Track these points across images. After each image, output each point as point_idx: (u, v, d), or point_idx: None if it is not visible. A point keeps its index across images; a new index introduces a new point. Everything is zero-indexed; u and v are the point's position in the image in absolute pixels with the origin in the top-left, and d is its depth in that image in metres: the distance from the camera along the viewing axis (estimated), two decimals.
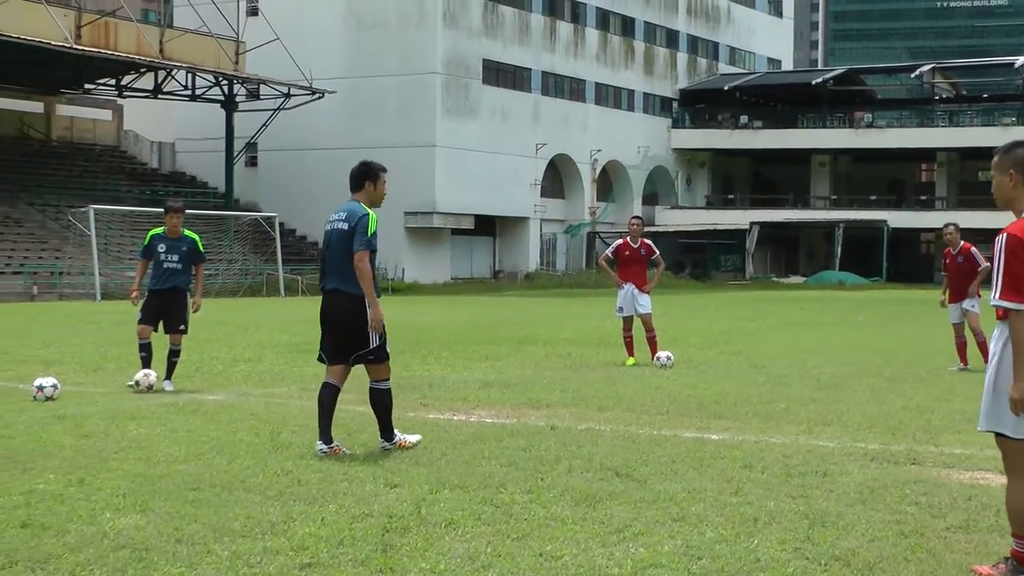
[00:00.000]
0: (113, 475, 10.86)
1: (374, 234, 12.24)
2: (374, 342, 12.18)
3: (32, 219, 68.73)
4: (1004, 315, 7.37)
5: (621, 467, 11.42)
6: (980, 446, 12.01)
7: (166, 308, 18.22)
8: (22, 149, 77.95)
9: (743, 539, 8.72)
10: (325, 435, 12.16)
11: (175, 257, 18.19)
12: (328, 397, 12.31)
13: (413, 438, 12.63)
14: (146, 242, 18.54)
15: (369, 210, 12.41)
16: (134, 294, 18.69)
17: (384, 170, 12.87)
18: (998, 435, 7.60)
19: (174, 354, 18.27)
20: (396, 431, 12.51)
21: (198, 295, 18.61)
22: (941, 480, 11.01)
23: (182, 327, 18.27)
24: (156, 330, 18.24)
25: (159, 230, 18.49)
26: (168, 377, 18.07)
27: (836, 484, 10.74)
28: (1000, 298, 7.30)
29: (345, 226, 12.23)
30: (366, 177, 12.62)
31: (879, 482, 10.84)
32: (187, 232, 18.52)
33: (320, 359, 12.61)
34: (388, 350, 12.42)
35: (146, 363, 18.18)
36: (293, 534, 8.76)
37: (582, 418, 14.95)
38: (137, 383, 17.48)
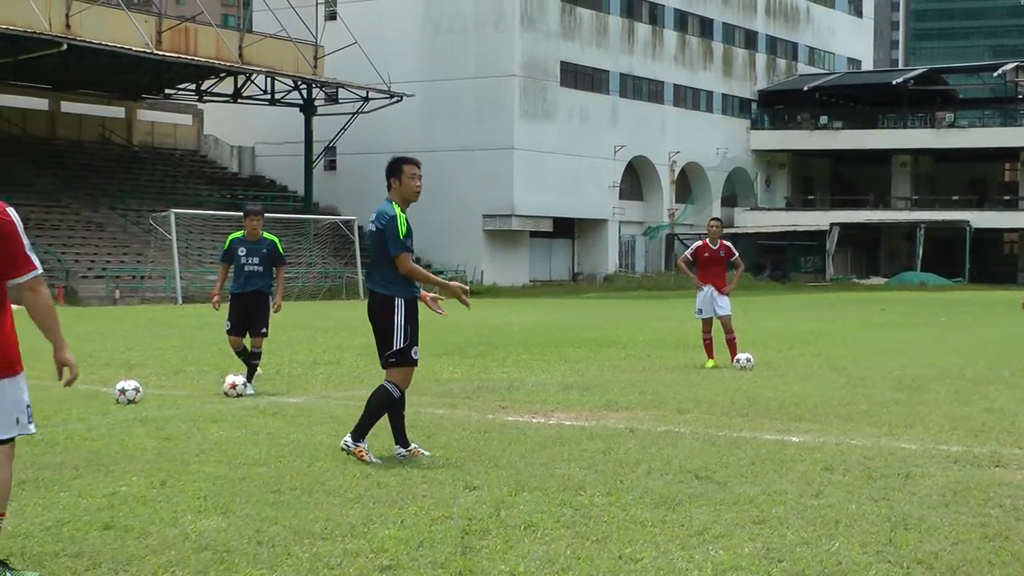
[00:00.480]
0: (194, 477, 10.93)
1: (406, 234, 12.04)
2: (398, 343, 11.97)
3: (114, 223, 69.37)
4: None
5: (701, 469, 11.37)
6: (999, 445, 11.89)
7: (248, 311, 18.34)
8: (104, 154, 78.75)
9: (824, 542, 8.65)
10: (399, 438, 12.22)
11: (255, 260, 18.30)
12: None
13: (373, 457, 11.91)
14: (226, 246, 18.70)
15: (397, 210, 12.09)
16: (215, 299, 18.89)
17: (408, 162, 12.28)
18: None
19: (255, 356, 18.39)
20: (365, 441, 12.00)
21: (278, 297, 18.69)
22: None
23: (264, 330, 18.37)
24: (244, 336, 18.39)
25: (239, 234, 18.60)
26: (248, 380, 18.19)
27: (918, 487, 10.64)
28: None
29: (374, 227, 12.12)
30: (390, 175, 12.22)
31: (962, 485, 10.72)
32: (266, 235, 18.60)
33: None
34: (416, 356, 12.15)
35: (253, 371, 18.44)
36: (373, 536, 8.77)
37: (661, 420, 14.90)
38: (234, 386, 17.54)
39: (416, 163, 12.31)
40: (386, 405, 12.05)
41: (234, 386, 17.44)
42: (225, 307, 18.76)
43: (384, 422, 12.19)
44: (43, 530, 8.88)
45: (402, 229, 11.99)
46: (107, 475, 11.03)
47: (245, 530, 8.92)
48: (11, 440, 7.35)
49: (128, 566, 8.00)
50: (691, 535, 8.85)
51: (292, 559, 8.19)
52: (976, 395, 17.83)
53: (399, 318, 12.00)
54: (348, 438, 12.02)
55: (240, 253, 18.35)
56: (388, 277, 12.05)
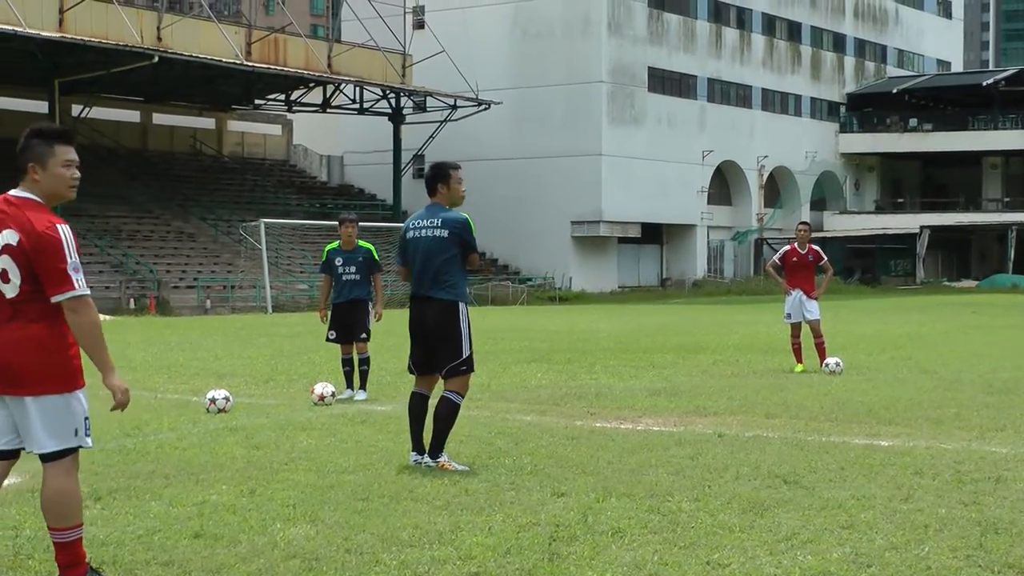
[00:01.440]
0: (283, 485, 11.00)
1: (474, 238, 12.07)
2: (466, 351, 11.91)
3: (205, 233, 70.03)
4: None
5: (789, 474, 11.33)
6: None
7: (348, 319, 18.51)
8: (195, 165, 79.54)
9: (913, 546, 8.60)
10: (417, 445, 12.14)
11: (352, 268, 18.45)
12: (418, 407, 12.25)
13: (457, 464, 11.85)
14: (324, 258, 18.91)
15: (462, 214, 12.04)
16: (322, 311, 19.00)
17: (457, 168, 12.11)
18: None
19: (363, 363, 18.57)
20: (445, 454, 11.93)
21: (379, 304, 18.78)
22: None
23: (364, 335, 18.52)
24: (349, 343, 18.56)
25: (334, 244, 18.77)
26: (361, 387, 18.49)
27: (1009, 490, 10.56)
28: None
29: (444, 233, 11.86)
30: (438, 180, 12.00)
31: None
32: (362, 243, 18.77)
33: (409, 370, 12.47)
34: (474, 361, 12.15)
35: (349, 380, 18.61)
36: (460, 543, 8.79)
37: (750, 425, 14.86)
38: (323, 398, 17.61)
39: (460, 168, 12.20)
40: (454, 415, 11.97)
41: (322, 398, 17.51)
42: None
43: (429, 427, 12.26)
44: (134, 539, 8.97)
45: (474, 231, 12.07)
46: (197, 484, 11.13)
47: (333, 538, 8.97)
48: (71, 452, 7.44)
49: (218, 574, 8.07)
50: (779, 540, 8.82)
51: (380, 566, 8.23)
52: None
53: (465, 324, 11.94)
54: (427, 458, 11.92)
55: (337, 263, 18.52)
56: (451, 281, 11.93)
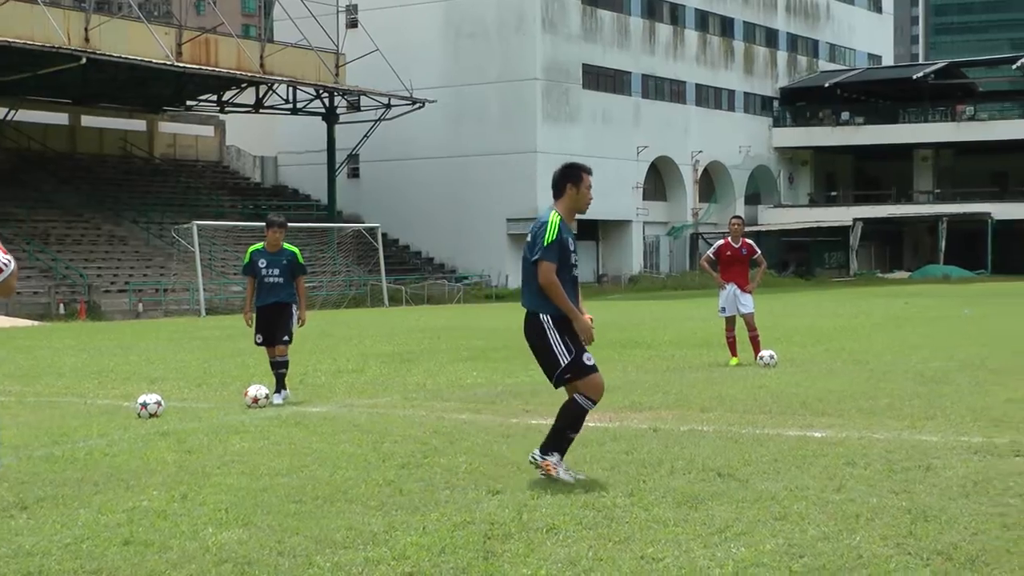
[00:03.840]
0: (216, 490, 10.93)
1: (552, 242, 10.87)
2: (563, 359, 10.93)
3: (136, 237, 69.59)
4: None
5: (723, 467, 11.37)
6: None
7: (271, 322, 18.25)
8: (126, 167, 79.02)
9: (845, 536, 8.66)
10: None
11: (275, 271, 18.16)
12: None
13: (566, 474, 10.91)
14: (247, 259, 18.57)
15: (555, 217, 11.04)
16: (247, 314, 18.72)
17: (588, 172, 11.28)
18: None
19: (281, 366, 18.26)
20: (555, 455, 10.95)
21: (302, 308, 18.59)
22: None
23: (286, 338, 18.30)
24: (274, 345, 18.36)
25: (259, 246, 18.49)
26: (278, 390, 18.17)
27: (939, 478, 10.66)
28: None
29: (529, 238, 11.09)
30: (567, 179, 11.15)
31: (982, 475, 10.75)
32: (287, 245, 18.50)
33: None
34: (590, 362, 11.05)
35: (280, 380, 18.27)
36: (395, 544, 8.76)
37: (684, 419, 14.90)
38: (256, 400, 17.48)
39: (590, 172, 11.38)
40: (577, 417, 11.02)
41: (256, 400, 17.40)
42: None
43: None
44: (61, 548, 8.87)
45: (549, 236, 10.89)
46: (127, 490, 11.04)
47: (266, 541, 8.93)
48: None
49: None
50: (713, 533, 8.86)
51: (314, 569, 8.19)
52: (997, 386, 17.83)
53: (553, 335, 10.97)
54: (536, 451, 11.05)
55: (261, 265, 18.19)
56: (534, 289, 11.00)
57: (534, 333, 11.08)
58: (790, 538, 8.65)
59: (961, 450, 12.11)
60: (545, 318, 10.96)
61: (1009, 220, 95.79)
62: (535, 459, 10.98)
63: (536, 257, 10.86)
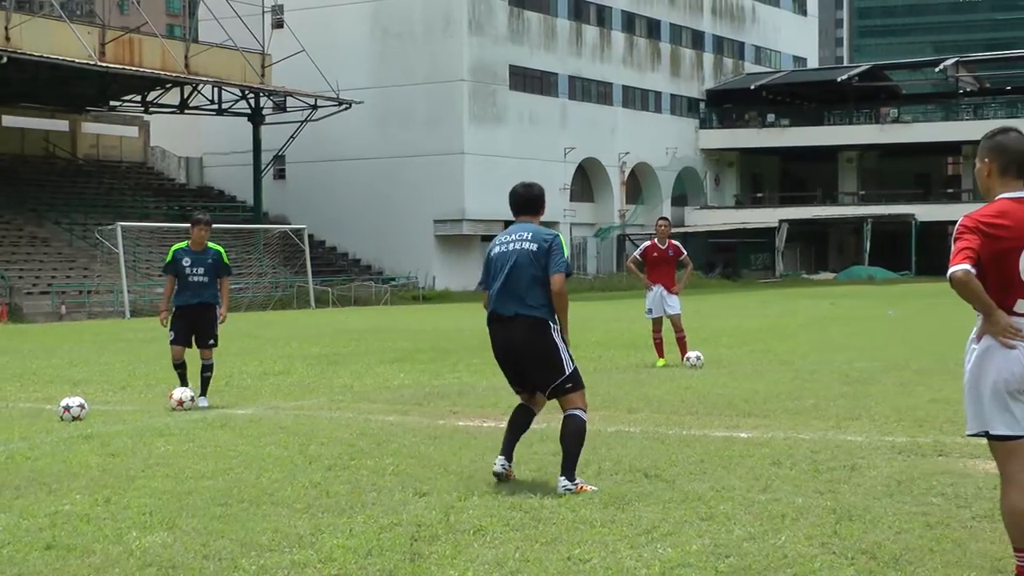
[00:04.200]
0: (140, 493, 10.85)
1: (568, 258, 11.32)
2: (568, 367, 11.00)
3: (59, 238, 68.94)
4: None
5: (650, 468, 11.42)
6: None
7: (196, 323, 18.02)
8: (48, 168, 78.20)
9: (771, 536, 8.72)
10: (507, 451, 11.32)
11: (200, 270, 17.92)
12: (520, 418, 11.50)
13: (591, 486, 10.75)
14: (169, 258, 18.22)
15: (558, 232, 11.40)
16: (163, 314, 18.34)
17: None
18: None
19: (207, 369, 18.07)
20: (578, 477, 10.81)
21: (224, 307, 18.41)
22: (967, 471, 11.05)
23: (212, 341, 18.14)
24: (189, 346, 18.15)
25: (182, 244, 18.24)
26: (203, 393, 17.97)
27: (864, 478, 10.76)
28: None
29: (533, 247, 11.15)
30: (541, 201, 11.57)
31: (906, 474, 10.87)
32: (211, 244, 18.30)
33: (515, 391, 11.64)
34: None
35: (183, 380, 18.08)
36: (321, 546, 8.75)
37: (612, 420, 14.93)
38: (181, 403, 17.35)
39: None
40: (583, 433, 10.99)
41: (181, 403, 17.28)
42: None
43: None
44: None
45: (567, 250, 11.32)
46: (50, 494, 10.94)
47: (191, 544, 8.87)
48: None
49: None
50: (639, 534, 8.89)
51: (239, 572, 8.16)
52: (921, 386, 17.99)
53: (560, 343, 11.06)
54: (564, 481, 10.69)
55: (185, 264, 17.91)
56: (541, 299, 11.09)
57: (539, 339, 11.01)
58: (716, 538, 8.69)
59: (885, 450, 12.22)
60: (554, 326, 11.08)
61: (932, 222, 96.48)
62: (569, 489, 10.59)
63: (561, 270, 11.09)
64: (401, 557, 8.41)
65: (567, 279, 11.20)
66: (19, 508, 10.31)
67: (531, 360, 11.08)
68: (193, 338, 18.11)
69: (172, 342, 18.09)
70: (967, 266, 6.93)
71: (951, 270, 6.93)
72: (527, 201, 11.50)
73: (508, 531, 9.09)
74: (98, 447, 13.69)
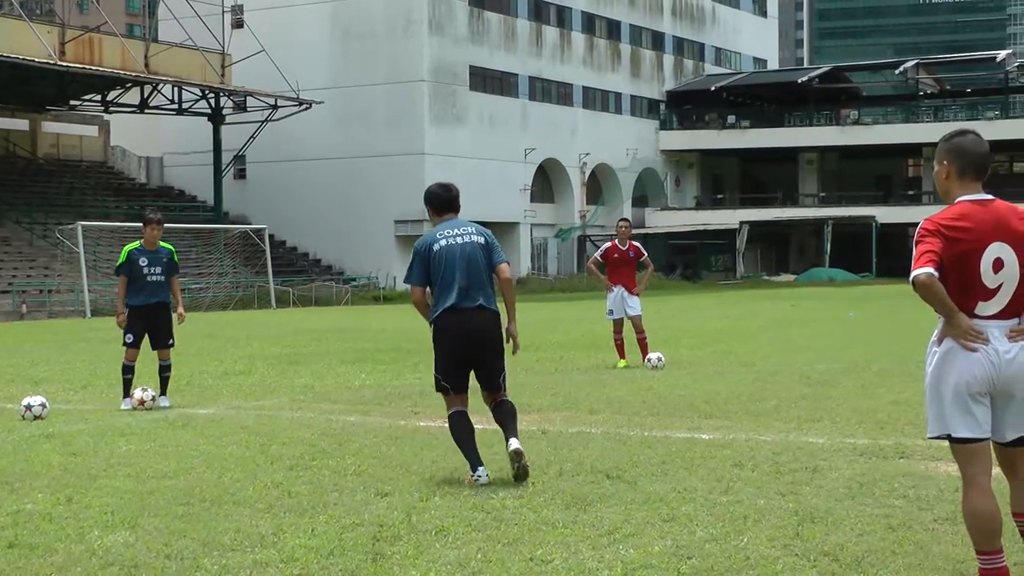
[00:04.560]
0: (102, 492, 10.82)
1: None
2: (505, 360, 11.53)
3: (20, 237, 68.67)
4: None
5: (612, 469, 11.42)
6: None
7: (153, 323, 17.89)
8: (8, 167, 77.82)
9: (733, 537, 8.73)
10: (476, 459, 11.22)
11: (158, 269, 17.73)
12: (467, 424, 11.49)
13: None
14: (123, 259, 17.91)
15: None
16: (121, 316, 17.99)
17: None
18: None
19: (165, 369, 17.97)
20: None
21: (180, 305, 18.25)
22: (929, 473, 11.07)
23: (171, 341, 18.06)
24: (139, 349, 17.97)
25: (135, 244, 17.98)
26: (163, 393, 17.89)
27: (825, 480, 10.77)
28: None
29: (480, 240, 11.54)
30: (457, 198, 11.89)
31: (868, 476, 10.88)
32: (163, 243, 18.13)
33: (444, 389, 11.57)
34: None
35: (128, 389, 17.76)
36: (283, 546, 8.74)
37: (573, 421, 14.96)
38: (143, 403, 17.25)
39: None
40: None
41: (142, 402, 17.21)
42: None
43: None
44: None
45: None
46: (11, 493, 10.91)
47: (153, 544, 8.86)
48: None
49: None
50: (601, 535, 8.90)
51: (201, 572, 8.15)
52: (883, 388, 18.05)
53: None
54: (514, 441, 11.07)
55: (142, 264, 17.70)
56: (491, 291, 11.49)
57: (498, 330, 11.47)
58: (678, 540, 8.71)
59: (847, 452, 12.25)
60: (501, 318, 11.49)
61: (893, 224, 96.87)
62: (519, 449, 11.05)
63: (504, 260, 11.64)
64: (363, 557, 8.41)
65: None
66: None
67: (492, 350, 11.38)
68: (148, 339, 17.94)
69: (129, 345, 17.82)
70: (930, 269, 6.98)
71: (914, 273, 6.98)
72: (453, 199, 11.83)
73: (470, 532, 9.09)
74: (60, 446, 13.66)
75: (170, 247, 18.29)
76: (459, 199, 11.88)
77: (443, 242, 11.45)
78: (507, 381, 11.60)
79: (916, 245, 7.12)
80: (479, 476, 11.04)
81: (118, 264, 18.20)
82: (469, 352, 11.37)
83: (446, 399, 11.61)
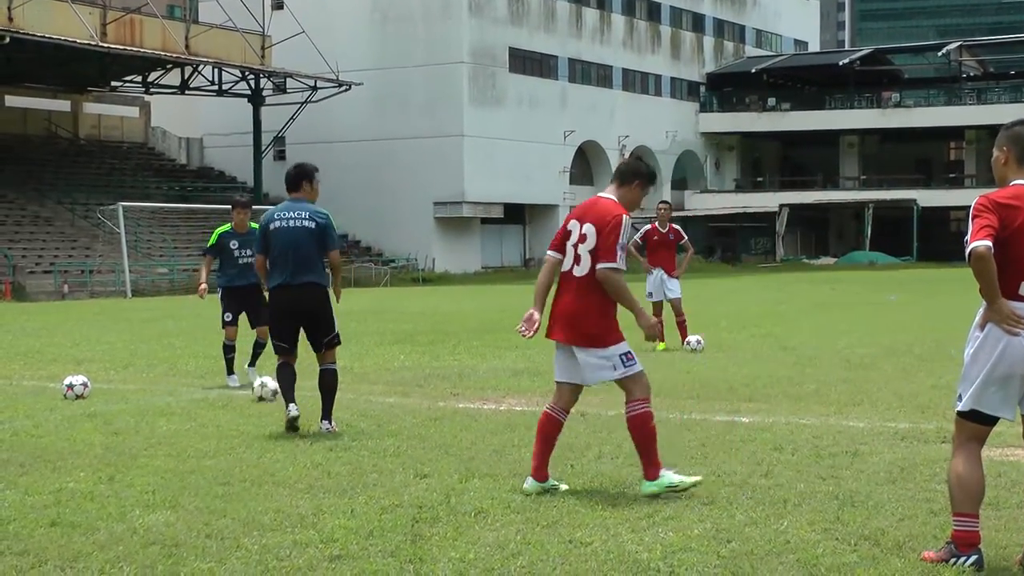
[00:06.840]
0: (143, 472, 10.87)
1: None
2: (336, 326, 13.44)
3: (62, 217, 68.94)
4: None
5: None
6: (1009, 423, 11.94)
7: (247, 303, 18.11)
8: (50, 148, 78.14)
9: (773, 521, 8.70)
10: (292, 399, 13.17)
11: (248, 252, 17.72)
12: (291, 374, 13.35)
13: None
14: (213, 240, 18.30)
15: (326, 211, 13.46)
16: (202, 287, 18.67)
17: (317, 170, 13.55)
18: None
19: (260, 345, 18.13)
20: (333, 421, 13.31)
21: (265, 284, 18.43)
22: None
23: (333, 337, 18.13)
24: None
25: (226, 227, 18.30)
26: (252, 365, 18.17)
27: (866, 464, 10.73)
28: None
29: (312, 224, 13.16)
30: (303, 178, 13.34)
31: (909, 461, 10.83)
32: (253, 224, 18.31)
33: (280, 349, 13.43)
34: None
35: (231, 367, 18.20)
36: (323, 526, 8.76)
37: (611, 404, 14.89)
38: (261, 397, 17.14)
39: (318, 170, 13.75)
40: (337, 380, 13.55)
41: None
42: (213, 298, 18.74)
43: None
44: None
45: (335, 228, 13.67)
46: (54, 471, 10.96)
47: (194, 523, 8.89)
48: None
49: (74, 563, 7.93)
50: (640, 518, 8.88)
51: (241, 551, 8.16)
52: (923, 372, 17.98)
53: (331, 305, 13.43)
54: (326, 424, 13.16)
55: (232, 246, 17.98)
56: (322, 269, 13.34)
57: (325, 303, 13.34)
58: (718, 523, 8.69)
59: (888, 436, 12.20)
60: (329, 291, 13.46)
61: (934, 207, 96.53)
62: (330, 429, 13.07)
63: (336, 246, 13.57)
64: (402, 538, 8.41)
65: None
66: (24, 485, 10.34)
67: (318, 321, 13.28)
68: (246, 317, 18.28)
69: (227, 323, 18.26)
70: (988, 242, 7.14)
71: (972, 245, 7.14)
72: (295, 179, 13.36)
73: (509, 513, 9.08)
74: (101, 425, 13.73)
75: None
76: (307, 176, 13.35)
77: (277, 223, 13.26)
78: (336, 346, 13.51)
79: (972, 220, 7.26)
80: (290, 410, 12.97)
81: (208, 244, 18.65)
82: (295, 321, 13.29)
83: (278, 356, 13.50)
